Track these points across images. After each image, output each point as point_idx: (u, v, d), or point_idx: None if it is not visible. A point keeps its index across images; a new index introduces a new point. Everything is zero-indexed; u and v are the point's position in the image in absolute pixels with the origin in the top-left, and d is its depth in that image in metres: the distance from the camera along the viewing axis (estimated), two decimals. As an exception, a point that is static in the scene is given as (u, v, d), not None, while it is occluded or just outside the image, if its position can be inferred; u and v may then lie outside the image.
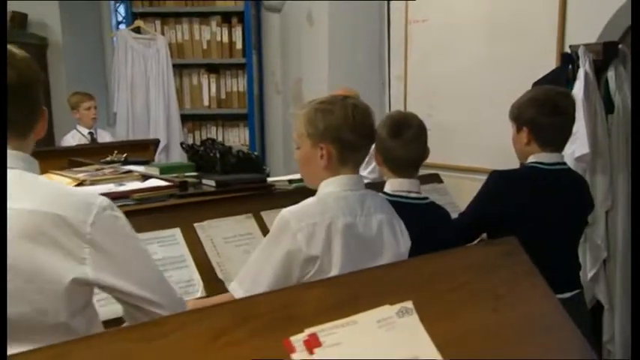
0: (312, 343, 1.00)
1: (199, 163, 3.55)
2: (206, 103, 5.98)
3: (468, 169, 4.34)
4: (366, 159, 4.01)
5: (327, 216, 1.82)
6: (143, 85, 5.75)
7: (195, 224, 2.52)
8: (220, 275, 2.37)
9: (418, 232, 2.08)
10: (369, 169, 4.06)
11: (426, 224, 2.26)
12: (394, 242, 1.97)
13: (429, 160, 2.48)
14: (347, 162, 1.93)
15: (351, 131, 1.88)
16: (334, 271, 1.79)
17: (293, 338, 1.00)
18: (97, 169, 3.44)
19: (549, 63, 3.92)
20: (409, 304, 1.12)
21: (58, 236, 1.39)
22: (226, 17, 5.90)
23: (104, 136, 5.33)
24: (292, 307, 1.03)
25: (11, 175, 1.45)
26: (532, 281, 1.31)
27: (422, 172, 3.08)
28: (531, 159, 2.49)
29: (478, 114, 4.38)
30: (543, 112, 2.41)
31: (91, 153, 4.33)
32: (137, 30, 5.78)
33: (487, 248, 1.40)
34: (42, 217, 1.39)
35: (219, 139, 5.81)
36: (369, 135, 1.96)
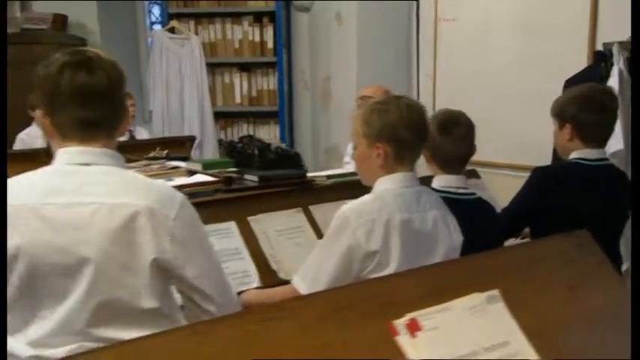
0: (414, 327, 1.06)
1: (237, 160, 3.60)
2: (238, 100, 6.04)
3: (499, 165, 4.38)
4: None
5: (385, 212, 1.86)
6: (177, 83, 5.80)
7: (249, 217, 2.57)
8: (274, 266, 2.42)
9: (466, 227, 2.10)
10: None
11: (473, 219, 2.26)
12: (448, 237, 2.00)
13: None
14: (403, 160, 1.96)
15: (407, 130, 1.91)
16: (392, 266, 1.82)
17: (395, 322, 1.06)
18: (145, 165, 3.51)
19: (580, 61, 3.94)
20: (496, 292, 1.17)
21: (148, 226, 1.47)
22: (258, 17, 5.95)
23: (142, 133, 5.39)
24: (390, 295, 1.09)
25: (104, 170, 1.53)
26: (604, 272, 1.35)
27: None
28: (574, 155, 2.50)
29: (509, 111, 4.42)
30: (587, 109, 2.43)
31: (130, 149, 4.42)
32: (172, 30, 5.85)
33: (559, 240, 1.44)
34: (136, 209, 1.47)
35: (251, 135, 5.86)
36: (423, 133, 1.99)
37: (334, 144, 5.82)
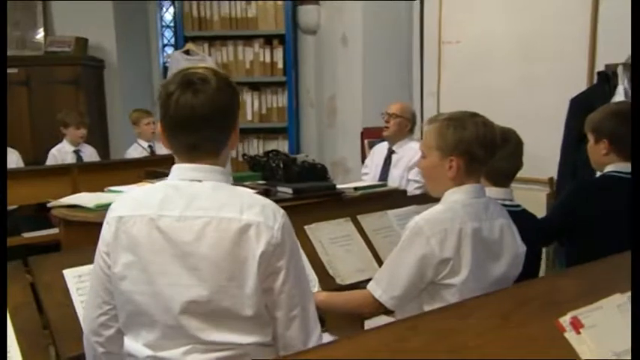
0: (577, 325, 1.14)
1: (265, 173, 3.63)
2: (249, 117, 6.08)
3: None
4: (411, 163, 4.13)
5: (457, 222, 1.88)
6: (193, 102, 5.79)
7: (306, 227, 2.59)
8: (331, 272, 2.46)
9: None
10: (414, 172, 4.14)
11: (520, 230, 2.23)
12: (514, 244, 2.02)
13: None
14: (472, 174, 1.98)
15: (480, 146, 1.93)
16: (464, 272, 1.86)
17: (561, 320, 1.14)
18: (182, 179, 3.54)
19: (580, 82, 4.02)
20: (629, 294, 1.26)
21: (254, 239, 1.49)
22: (268, 40, 6.03)
23: (161, 149, 5.38)
24: (553, 293, 1.17)
25: (214, 185, 1.54)
26: None
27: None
28: (610, 168, 2.54)
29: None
30: (623, 125, 2.44)
31: (151, 164, 4.45)
32: (187, 52, 5.86)
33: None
34: (244, 224, 1.49)
35: (261, 150, 5.92)
36: (494, 150, 2.00)
37: (340, 157, 5.90)
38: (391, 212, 2.88)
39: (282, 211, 1.57)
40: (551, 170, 3.92)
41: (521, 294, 1.21)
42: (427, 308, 1.92)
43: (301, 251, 2.52)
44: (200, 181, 1.54)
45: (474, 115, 2.00)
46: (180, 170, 1.57)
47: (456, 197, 1.97)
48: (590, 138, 2.60)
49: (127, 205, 1.58)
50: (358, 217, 2.77)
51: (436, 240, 1.85)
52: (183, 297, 1.48)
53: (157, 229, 1.50)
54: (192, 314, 1.49)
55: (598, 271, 1.31)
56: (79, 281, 1.86)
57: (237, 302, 1.49)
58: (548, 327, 1.14)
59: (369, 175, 4.38)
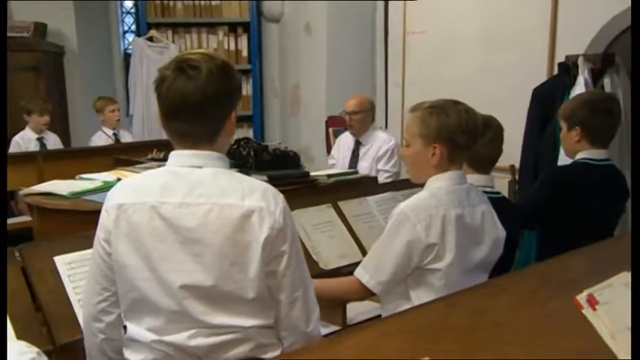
0: (593, 302, 1.18)
1: (233, 161, 3.59)
2: (213, 105, 6.01)
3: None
4: (388, 154, 4.17)
5: (441, 208, 1.91)
6: (157, 89, 5.71)
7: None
8: (314, 257, 2.47)
9: None
10: (390, 164, 4.18)
11: (499, 216, 2.26)
12: (494, 229, 2.06)
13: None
14: (455, 160, 2.00)
15: (463, 133, 1.94)
16: (449, 256, 1.89)
17: (578, 297, 1.17)
18: (159, 166, 3.48)
19: (540, 72, 4.13)
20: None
21: (257, 225, 1.49)
22: (232, 27, 6.00)
23: (126, 137, 5.34)
24: (567, 271, 1.21)
25: (214, 172, 1.53)
26: None
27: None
28: (582, 155, 2.61)
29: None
30: (596, 114, 2.54)
31: (116, 152, 4.37)
32: (150, 39, 5.80)
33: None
34: (246, 209, 1.49)
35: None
36: (476, 137, 2.02)
37: (304, 146, 5.89)
38: (370, 198, 2.91)
39: (281, 195, 1.57)
40: (513, 158, 4.00)
41: (541, 273, 1.24)
42: (412, 293, 1.96)
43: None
44: (200, 167, 1.53)
45: (457, 102, 2.02)
46: (180, 157, 1.55)
47: (439, 184, 1.99)
48: (563, 126, 2.67)
49: (127, 192, 1.56)
50: (339, 203, 2.79)
51: (422, 226, 1.88)
52: (187, 282, 1.49)
53: (159, 216, 1.49)
54: (197, 298, 1.50)
55: (604, 250, 1.36)
56: (69, 268, 1.85)
57: (241, 286, 1.50)
58: (567, 304, 1.18)
59: (336, 166, 4.38)
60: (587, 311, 1.17)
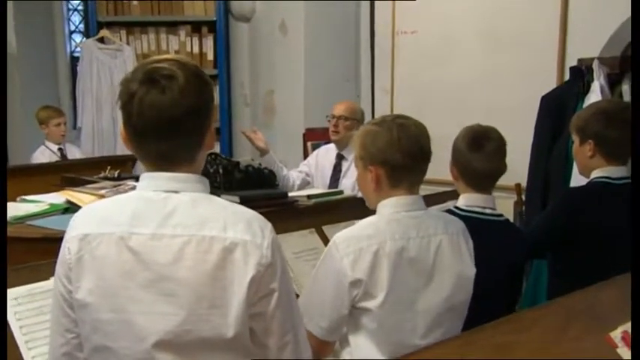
0: (628, 340, 1.17)
1: None
2: (175, 116, 5.98)
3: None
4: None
5: (374, 241, 1.88)
6: (109, 98, 5.70)
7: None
8: (297, 290, 2.42)
9: (493, 251, 2.14)
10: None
11: (500, 242, 2.32)
12: (455, 264, 1.99)
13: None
14: (399, 183, 1.97)
15: (398, 152, 1.93)
16: (381, 296, 1.86)
17: (612, 335, 1.17)
18: (115, 186, 3.47)
19: (550, 77, 4.17)
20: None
21: (241, 261, 1.46)
22: (196, 27, 5.97)
23: (74, 152, 5.27)
24: (597, 305, 1.20)
25: (192, 197, 1.50)
26: None
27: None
28: (598, 173, 2.59)
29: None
30: (611, 125, 2.51)
31: (63, 170, 4.32)
32: (101, 40, 5.76)
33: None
34: (228, 243, 1.45)
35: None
36: (419, 154, 1.97)
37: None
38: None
39: (269, 224, 1.54)
40: (519, 176, 4.01)
41: (568, 307, 1.24)
42: (351, 337, 1.94)
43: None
44: (177, 192, 1.50)
45: (396, 117, 2.02)
46: (153, 180, 1.53)
47: (382, 211, 1.99)
48: (575, 139, 2.67)
49: (91, 221, 1.52)
50: (324, 228, 2.80)
51: (348, 260, 1.86)
52: (157, 327, 1.45)
53: (128, 249, 1.46)
54: (168, 347, 1.46)
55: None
56: (16, 304, 1.80)
57: (219, 332, 1.47)
58: (600, 342, 1.17)
59: (313, 183, 4.33)
60: (622, 350, 1.17)
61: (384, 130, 1.95)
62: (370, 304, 1.87)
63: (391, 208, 1.97)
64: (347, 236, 1.91)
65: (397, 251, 1.88)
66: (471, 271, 2.02)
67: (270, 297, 1.50)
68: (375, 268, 1.86)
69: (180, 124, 1.46)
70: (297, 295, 2.36)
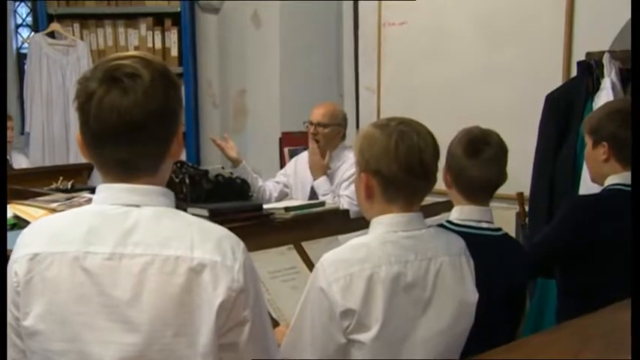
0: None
1: None
2: (136, 119, 5.95)
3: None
4: (354, 176, 4.06)
5: (367, 265, 1.80)
6: (61, 100, 5.70)
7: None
8: (273, 314, 2.38)
9: (489, 268, 2.09)
10: (344, 185, 4.04)
11: (498, 259, 2.27)
12: (457, 289, 1.94)
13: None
14: (394, 198, 1.89)
15: (394, 163, 1.85)
16: (376, 327, 1.78)
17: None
18: (68, 199, 3.41)
19: (555, 73, 4.14)
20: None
21: (210, 284, 1.45)
22: (158, 19, 5.96)
23: (21, 161, 5.32)
24: (615, 329, 1.14)
25: (156, 212, 1.50)
26: None
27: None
28: (612, 180, 2.56)
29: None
30: (628, 126, 2.45)
31: (10, 181, 4.25)
32: (52, 35, 5.75)
33: None
34: (195, 264, 1.45)
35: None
36: (417, 169, 1.87)
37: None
38: (343, 238, 2.88)
39: (241, 244, 1.53)
40: (521, 184, 3.97)
41: (582, 331, 1.18)
42: None
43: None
44: (138, 206, 1.50)
45: (401, 122, 1.92)
46: (111, 192, 1.52)
47: (376, 230, 1.92)
48: (588, 141, 2.64)
49: (42, 239, 1.52)
50: (303, 244, 2.77)
51: (338, 286, 1.78)
52: (115, 358, 1.44)
53: (83, 271, 1.45)
54: None
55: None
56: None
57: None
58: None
59: (292, 194, 4.28)
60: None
61: (383, 134, 1.87)
62: (363, 337, 1.79)
63: (387, 226, 1.89)
64: (335, 259, 1.83)
65: (393, 277, 1.81)
66: (473, 297, 1.96)
67: (243, 326, 1.50)
68: (368, 296, 1.79)
69: (143, 129, 1.46)
70: (275, 321, 2.35)
